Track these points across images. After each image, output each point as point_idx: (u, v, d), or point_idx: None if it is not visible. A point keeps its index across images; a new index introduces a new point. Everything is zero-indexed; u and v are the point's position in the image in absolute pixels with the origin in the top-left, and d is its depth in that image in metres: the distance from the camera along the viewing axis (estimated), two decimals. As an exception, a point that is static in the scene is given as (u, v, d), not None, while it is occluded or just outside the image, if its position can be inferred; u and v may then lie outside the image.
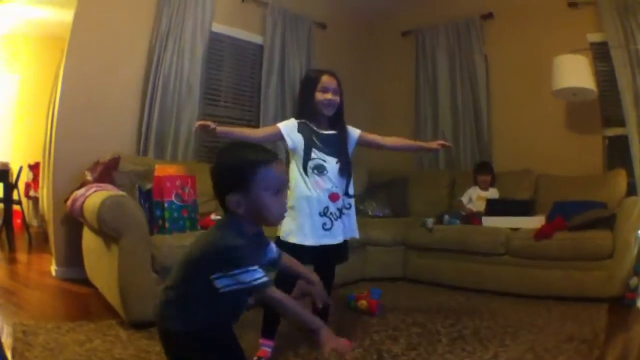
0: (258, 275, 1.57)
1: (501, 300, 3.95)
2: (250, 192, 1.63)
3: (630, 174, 4.66)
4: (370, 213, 5.47)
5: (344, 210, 2.82)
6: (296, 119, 2.83)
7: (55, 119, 4.58)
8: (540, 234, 4.03)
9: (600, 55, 5.07)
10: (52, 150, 4.56)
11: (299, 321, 1.64)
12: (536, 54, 5.44)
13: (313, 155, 2.74)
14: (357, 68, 6.83)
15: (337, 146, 2.83)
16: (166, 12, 4.88)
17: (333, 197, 2.74)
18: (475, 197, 5.06)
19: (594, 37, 5.11)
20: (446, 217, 4.84)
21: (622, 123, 4.87)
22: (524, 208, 4.60)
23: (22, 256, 5.88)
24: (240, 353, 1.77)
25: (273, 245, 1.90)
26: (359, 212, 5.17)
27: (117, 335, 2.89)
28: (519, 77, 5.66)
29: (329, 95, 2.77)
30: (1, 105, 8.72)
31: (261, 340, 2.64)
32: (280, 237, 2.66)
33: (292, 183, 2.73)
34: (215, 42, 5.48)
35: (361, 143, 3.01)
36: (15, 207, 7.11)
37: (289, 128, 2.78)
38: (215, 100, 5.54)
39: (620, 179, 4.59)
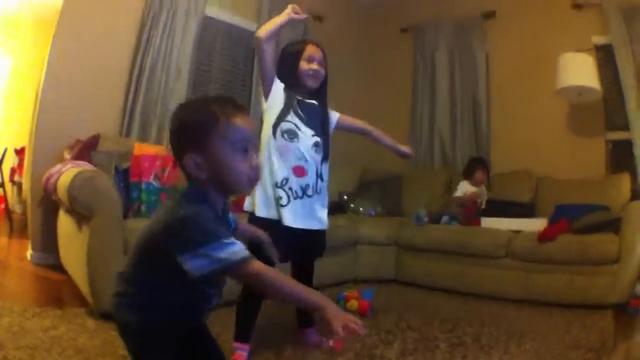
0: (237, 247, 1.28)
1: (501, 305, 3.75)
2: (211, 152, 1.36)
3: (635, 179, 4.51)
4: (361, 211, 5.25)
5: (310, 193, 2.51)
6: None
7: (39, 101, 4.40)
8: (544, 236, 3.85)
9: (605, 57, 4.95)
10: (34, 132, 4.37)
11: (295, 301, 1.35)
12: (539, 54, 5.32)
13: (288, 117, 2.49)
14: (354, 62, 6.70)
15: (317, 119, 2.59)
16: None
17: (297, 170, 2.46)
18: (468, 194, 4.81)
19: (599, 39, 4.99)
20: (445, 218, 4.67)
21: (626, 127, 4.73)
22: (525, 210, 4.47)
23: (2, 241, 5.69)
24: None
25: (231, 215, 1.58)
26: (349, 211, 5.14)
27: (84, 324, 2.68)
28: (520, 78, 5.53)
29: (314, 66, 2.54)
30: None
31: (235, 344, 2.38)
32: (245, 209, 2.47)
33: (261, 142, 2.49)
34: (209, 27, 5.32)
35: (340, 126, 2.78)
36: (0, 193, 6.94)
37: (278, 83, 2.54)
38: (204, 85, 5.36)
39: (624, 183, 4.43)
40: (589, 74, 4.63)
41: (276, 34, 2.42)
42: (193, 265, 1.26)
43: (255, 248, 1.59)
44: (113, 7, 4.56)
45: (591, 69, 4.65)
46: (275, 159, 2.43)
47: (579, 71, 4.63)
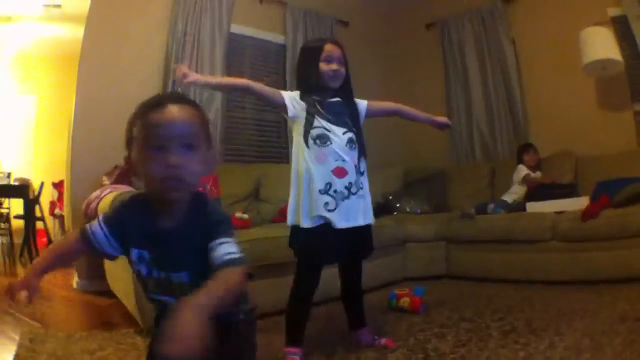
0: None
1: (551, 289, 3.69)
2: (133, 153, 1.31)
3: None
4: (408, 210, 5.19)
5: (354, 190, 2.45)
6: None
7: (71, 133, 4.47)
8: (587, 213, 3.79)
9: (622, 29, 4.89)
10: (70, 163, 4.43)
11: None
12: (561, 33, 5.26)
13: (316, 123, 2.42)
14: (383, 65, 6.66)
15: (344, 114, 2.52)
16: (181, 15, 4.82)
17: (338, 171, 2.39)
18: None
19: (614, 11, 4.96)
20: (491, 205, 4.59)
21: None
22: (567, 191, 4.40)
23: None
24: None
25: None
26: (396, 211, 5.08)
27: (133, 343, 2.66)
28: (547, 59, 5.47)
29: (334, 66, 2.46)
30: (19, 125, 8.73)
31: (286, 349, 2.34)
32: (288, 223, 2.40)
33: (293, 154, 2.45)
34: (236, 43, 5.37)
35: (371, 113, 2.68)
36: (41, 227, 7.03)
37: (291, 95, 2.49)
38: (239, 102, 5.38)
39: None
40: (610, 46, 4.62)
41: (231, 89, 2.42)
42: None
43: None
44: (136, 35, 4.64)
45: (611, 41, 4.64)
46: (313, 167, 2.37)
47: (601, 45, 4.62)
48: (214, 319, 1.05)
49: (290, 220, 2.44)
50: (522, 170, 4.81)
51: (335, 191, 2.37)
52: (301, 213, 2.36)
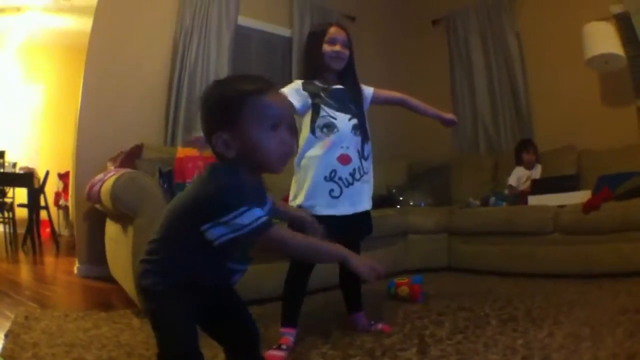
0: (257, 214, 1.30)
1: (551, 282, 3.66)
2: (239, 129, 1.34)
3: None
4: (412, 204, 5.18)
5: (359, 176, 2.46)
6: (301, 79, 2.55)
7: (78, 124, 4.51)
8: (588, 205, 3.78)
9: (624, 25, 4.90)
10: (76, 153, 4.47)
11: (317, 257, 1.45)
12: (564, 28, 5.28)
13: (322, 112, 2.43)
14: (390, 60, 6.68)
15: (348, 101, 2.52)
16: (189, 7, 4.87)
17: (343, 159, 2.41)
18: (524, 179, 4.76)
19: (616, 8, 4.96)
20: (492, 198, 4.59)
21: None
22: (569, 183, 4.36)
23: (48, 259, 5.75)
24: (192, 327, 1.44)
25: (269, 196, 1.57)
26: (400, 204, 5.07)
27: (129, 323, 2.65)
28: (551, 54, 5.49)
29: (337, 47, 2.46)
30: (26, 114, 8.83)
31: (282, 329, 2.34)
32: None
33: (300, 142, 2.44)
34: (243, 36, 5.40)
35: (377, 100, 2.69)
36: (44, 217, 7.03)
37: (292, 88, 2.48)
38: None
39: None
40: (612, 41, 4.65)
41: None
42: (215, 233, 1.30)
43: (296, 229, 1.60)
44: (143, 28, 4.68)
45: (613, 36, 4.67)
46: (319, 155, 2.39)
47: (603, 39, 4.65)
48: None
49: (290, 200, 2.45)
50: (511, 179, 4.83)
51: (339, 178, 2.39)
52: (304, 196, 2.37)
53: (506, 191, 4.77)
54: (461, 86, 6.17)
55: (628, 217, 3.59)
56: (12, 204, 6.89)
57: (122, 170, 3.31)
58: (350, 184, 2.41)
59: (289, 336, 2.30)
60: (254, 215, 1.29)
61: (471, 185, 5.37)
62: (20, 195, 7.16)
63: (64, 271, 4.64)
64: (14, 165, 7.25)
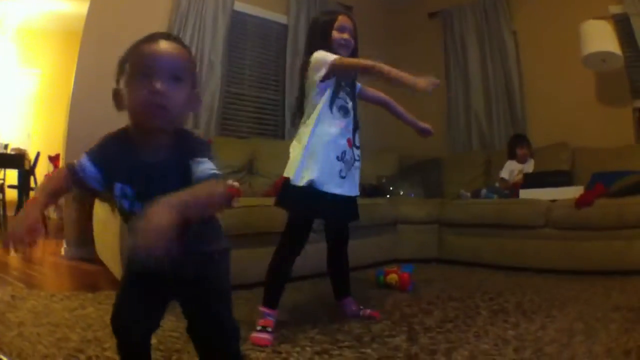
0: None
1: (542, 277, 3.65)
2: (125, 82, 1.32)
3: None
4: (401, 193, 5.16)
5: (355, 162, 2.51)
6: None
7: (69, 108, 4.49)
8: (581, 201, 3.76)
9: (623, 27, 4.88)
10: (67, 137, 4.44)
11: None
12: (561, 27, 5.27)
13: (341, 94, 2.46)
14: (384, 51, 6.49)
15: (353, 90, 2.58)
16: None
17: (350, 142, 2.47)
18: (516, 172, 4.74)
19: (615, 8, 4.94)
20: (483, 191, 4.58)
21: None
22: (561, 179, 4.34)
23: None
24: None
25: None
26: (390, 194, 5.05)
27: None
28: (547, 52, 5.47)
29: (346, 35, 2.49)
30: (20, 98, 8.78)
31: (262, 309, 2.32)
32: (291, 181, 2.33)
33: (312, 118, 2.39)
34: (238, 21, 5.36)
35: (364, 96, 2.73)
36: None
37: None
38: (239, 79, 5.41)
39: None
40: (610, 40, 4.62)
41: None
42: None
43: None
44: (139, 11, 4.62)
45: (611, 35, 4.65)
46: (336, 135, 2.40)
47: (600, 37, 4.63)
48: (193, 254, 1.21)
49: (293, 175, 2.35)
50: (503, 172, 4.83)
51: (346, 161, 2.43)
52: (318, 171, 2.33)
53: (497, 184, 4.76)
54: (455, 81, 6.15)
55: (622, 214, 3.59)
56: (2, 185, 6.83)
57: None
58: (351, 167, 2.46)
59: (269, 318, 2.28)
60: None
61: (463, 180, 5.33)
62: (10, 177, 7.11)
63: (52, 252, 4.60)
64: (6, 146, 7.20)
